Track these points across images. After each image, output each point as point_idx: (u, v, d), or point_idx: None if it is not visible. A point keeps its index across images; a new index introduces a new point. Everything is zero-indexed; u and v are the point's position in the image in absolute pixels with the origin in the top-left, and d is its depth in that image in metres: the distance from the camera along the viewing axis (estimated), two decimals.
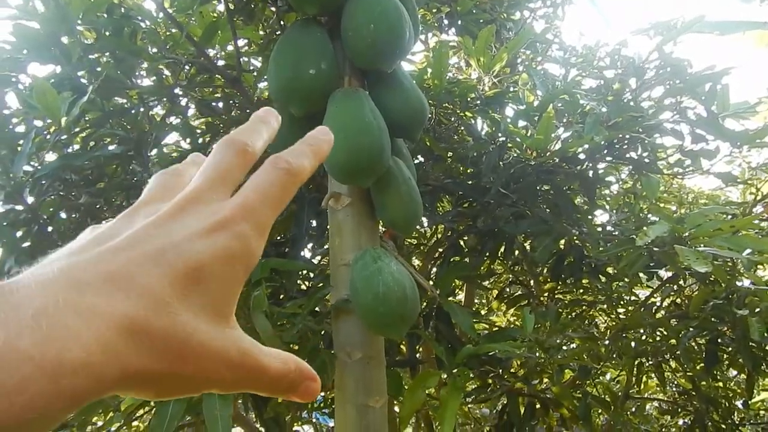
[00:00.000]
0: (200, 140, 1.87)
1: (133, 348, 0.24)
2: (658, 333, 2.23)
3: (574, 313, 2.57)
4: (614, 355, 2.23)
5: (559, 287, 2.47)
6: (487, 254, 2.19)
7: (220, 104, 1.88)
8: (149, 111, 1.76)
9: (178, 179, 0.33)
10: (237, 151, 0.32)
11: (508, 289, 2.84)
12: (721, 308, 1.88)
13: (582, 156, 1.96)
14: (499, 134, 1.98)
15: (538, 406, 2.12)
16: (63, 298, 0.23)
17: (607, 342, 2.12)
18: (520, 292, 2.66)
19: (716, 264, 1.61)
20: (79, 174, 1.61)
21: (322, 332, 1.63)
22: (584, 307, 2.56)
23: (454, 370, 1.66)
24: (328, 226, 1.60)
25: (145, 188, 0.33)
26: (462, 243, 2.29)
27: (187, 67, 1.72)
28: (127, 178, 1.60)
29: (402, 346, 2.21)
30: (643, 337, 2.24)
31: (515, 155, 1.88)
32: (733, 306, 1.83)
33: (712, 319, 1.93)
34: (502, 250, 2.16)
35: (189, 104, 1.85)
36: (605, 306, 2.51)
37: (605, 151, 1.95)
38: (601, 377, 2.86)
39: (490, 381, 2.03)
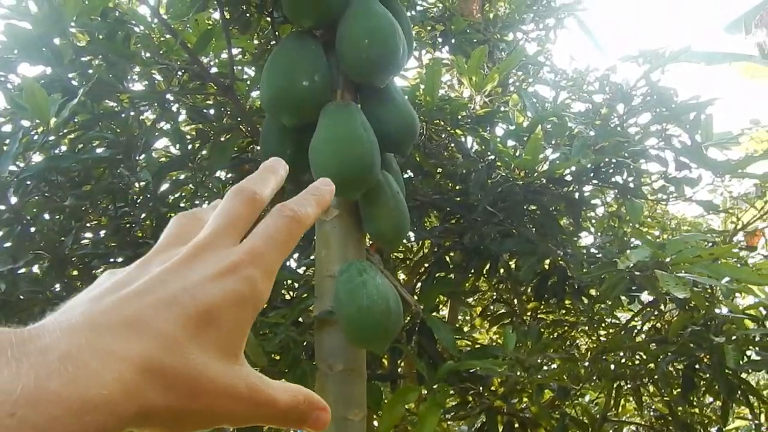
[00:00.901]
0: (190, 146, 1.87)
1: (149, 386, 0.26)
2: (637, 357, 2.24)
3: (556, 334, 2.58)
4: (594, 377, 2.24)
5: (542, 307, 2.48)
6: (472, 271, 2.20)
7: (212, 111, 1.88)
8: (140, 115, 1.76)
9: (194, 223, 0.36)
10: (245, 200, 0.35)
11: (492, 307, 2.84)
12: (699, 335, 1.90)
13: (568, 178, 1.98)
14: (489, 153, 2.00)
15: (516, 425, 2.12)
16: (85, 341, 0.25)
17: (586, 363, 2.13)
18: (503, 311, 2.67)
19: (695, 291, 1.64)
20: (66, 176, 1.60)
21: (305, 343, 1.63)
22: (566, 328, 2.58)
23: (435, 386, 1.66)
24: (315, 237, 1.60)
25: (163, 232, 0.36)
26: (448, 259, 2.30)
27: (179, 74, 1.72)
28: (114, 181, 1.59)
29: (384, 360, 2.20)
30: (623, 360, 2.25)
31: (503, 174, 1.90)
32: (711, 333, 1.85)
33: (690, 345, 1.95)
34: (487, 267, 2.17)
35: (180, 110, 1.85)
36: (587, 327, 2.52)
37: (591, 175, 1.97)
38: (580, 398, 2.87)
39: (470, 398, 2.03)
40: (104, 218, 1.65)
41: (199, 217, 0.36)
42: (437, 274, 2.18)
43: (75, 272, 1.53)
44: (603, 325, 2.49)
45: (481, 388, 1.99)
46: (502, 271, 2.31)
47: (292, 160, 1.54)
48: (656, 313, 2.30)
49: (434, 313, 2.11)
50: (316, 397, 0.33)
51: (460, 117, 2.03)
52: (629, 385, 2.38)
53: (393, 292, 1.43)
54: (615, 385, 2.38)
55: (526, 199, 2.00)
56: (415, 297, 2.07)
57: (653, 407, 2.94)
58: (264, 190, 0.36)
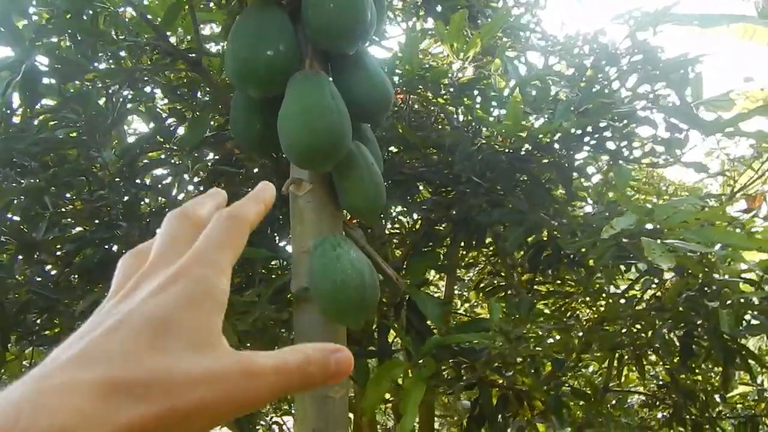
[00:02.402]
0: (166, 123, 1.83)
1: (114, 406, 0.25)
2: (637, 325, 2.19)
3: (555, 306, 2.54)
4: (595, 348, 2.20)
5: (539, 279, 2.44)
6: (462, 244, 2.15)
7: (186, 90, 1.84)
8: (112, 96, 1.72)
9: (141, 258, 0.35)
10: (181, 220, 0.36)
11: (488, 281, 2.80)
12: (695, 300, 1.85)
13: (557, 145, 1.92)
14: (473, 122, 1.94)
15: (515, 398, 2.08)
16: (38, 387, 0.25)
17: (581, 334, 2.09)
18: (500, 284, 2.63)
19: (690, 256, 1.58)
20: (38, 161, 1.57)
21: (286, 321, 1.60)
22: (565, 300, 2.53)
23: (420, 361, 1.63)
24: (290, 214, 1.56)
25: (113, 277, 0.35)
26: (437, 232, 2.26)
27: (150, 50, 1.68)
28: (83, 163, 1.56)
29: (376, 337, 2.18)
30: (622, 330, 2.21)
31: (487, 142, 1.84)
32: (707, 298, 1.80)
33: (688, 311, 1.90)
34: (475, 239, 2.12)
35: (154, 89, 1.81)
36: (586, 298, 2.48)
37: (581, 140, 1.90)
38: (583, 370, 2.83)
39: (463, 372, 2.00)
40: (78, 203, 1.62)
41: (143, 252, 0.36)
42: (424, 248, 2.14)
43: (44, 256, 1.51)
44: (603, 295, 2.44)
45: (474, 362, 1.96)
46: (497, 243, 2.26)
47: (261, 135, 1.50)
48: (657, 281, 2.24)
49: (426, 288, 2.08)
50: (326, 344, 0.32)
51: (442, 85, 1.96)
52: (630, 355, 2.33)
53: (369, 266, 1.40)
54: (616, 355, 2.34)
55: (513, 168, 1.94)
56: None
57: (659, 376, 2.90)
58: (199, 209, 0.37)
